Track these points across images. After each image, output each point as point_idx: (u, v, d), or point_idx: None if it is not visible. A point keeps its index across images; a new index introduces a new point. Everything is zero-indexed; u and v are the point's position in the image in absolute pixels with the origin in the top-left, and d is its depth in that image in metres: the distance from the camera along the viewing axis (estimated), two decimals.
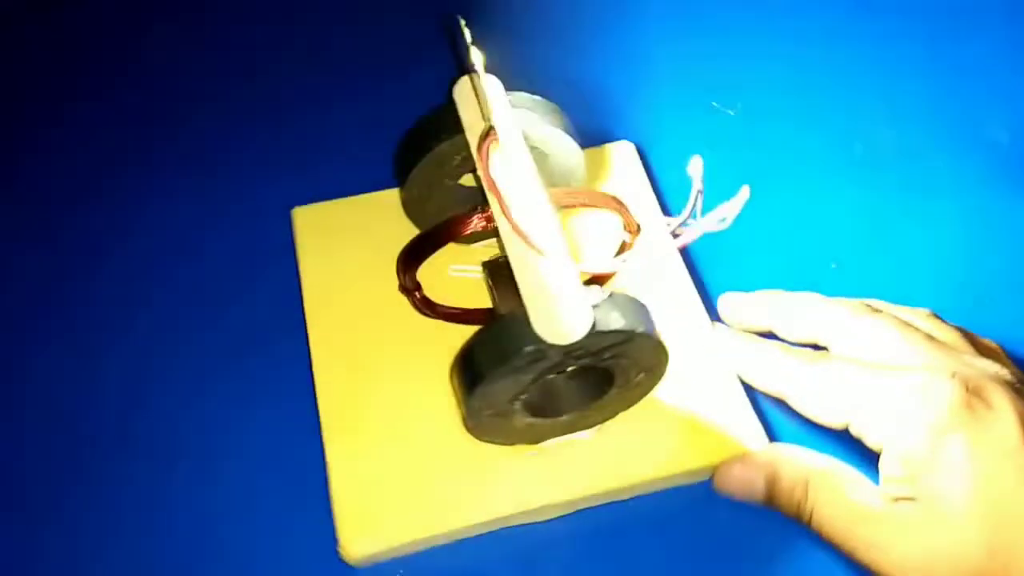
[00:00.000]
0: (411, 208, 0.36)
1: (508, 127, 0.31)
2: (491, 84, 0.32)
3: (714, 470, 0.33)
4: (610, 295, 0.29)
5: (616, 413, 0.33)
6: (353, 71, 0.46)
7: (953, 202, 0.41)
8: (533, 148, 0.34)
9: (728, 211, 0.30)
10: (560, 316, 0.27)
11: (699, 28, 0.48)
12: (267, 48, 0.48)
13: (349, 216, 0.39)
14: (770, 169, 0.42)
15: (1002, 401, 0.26)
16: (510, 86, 0.33)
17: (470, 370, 0.29)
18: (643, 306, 0.30)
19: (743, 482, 0.32)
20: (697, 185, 0.29)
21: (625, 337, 0.28)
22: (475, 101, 0.32)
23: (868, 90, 0.45)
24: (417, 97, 0.35)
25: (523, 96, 0.34)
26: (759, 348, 0.34)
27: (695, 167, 0.30)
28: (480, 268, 0.36)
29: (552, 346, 0.27)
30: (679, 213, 0.30)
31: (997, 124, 0.43)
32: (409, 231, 0.36)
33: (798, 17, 0.48)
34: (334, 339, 0.36)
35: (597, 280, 0.36)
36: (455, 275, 0.36)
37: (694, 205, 0.29)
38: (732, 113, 0.43)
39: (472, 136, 0.32)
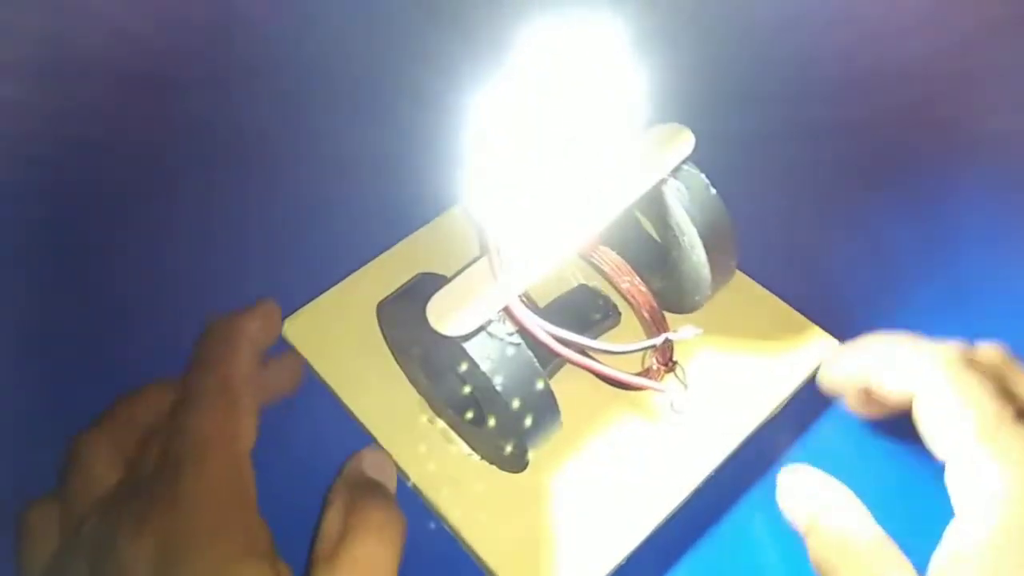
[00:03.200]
0: None
1: None
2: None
3: None
4: (518, 344, 0.27)
5: (487, 455, 0.32)
6: None
7: (953, 203, 0.41)
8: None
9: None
10: (443, 304, 0.27)
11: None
12: None
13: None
14: (768, 170, 0.42)
15: None
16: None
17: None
18: (540, 385, 0.28)
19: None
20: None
21: (483, 381, 0.27)
22: None
23: (867, 91, 0.45)
24: None
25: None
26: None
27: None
28: None
29: (423, 325, 0.27)
30: None
31: (997, 124, 0.44)
32: None
33: (797, 18, 0.48)
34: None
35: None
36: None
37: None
38: None
39: None
